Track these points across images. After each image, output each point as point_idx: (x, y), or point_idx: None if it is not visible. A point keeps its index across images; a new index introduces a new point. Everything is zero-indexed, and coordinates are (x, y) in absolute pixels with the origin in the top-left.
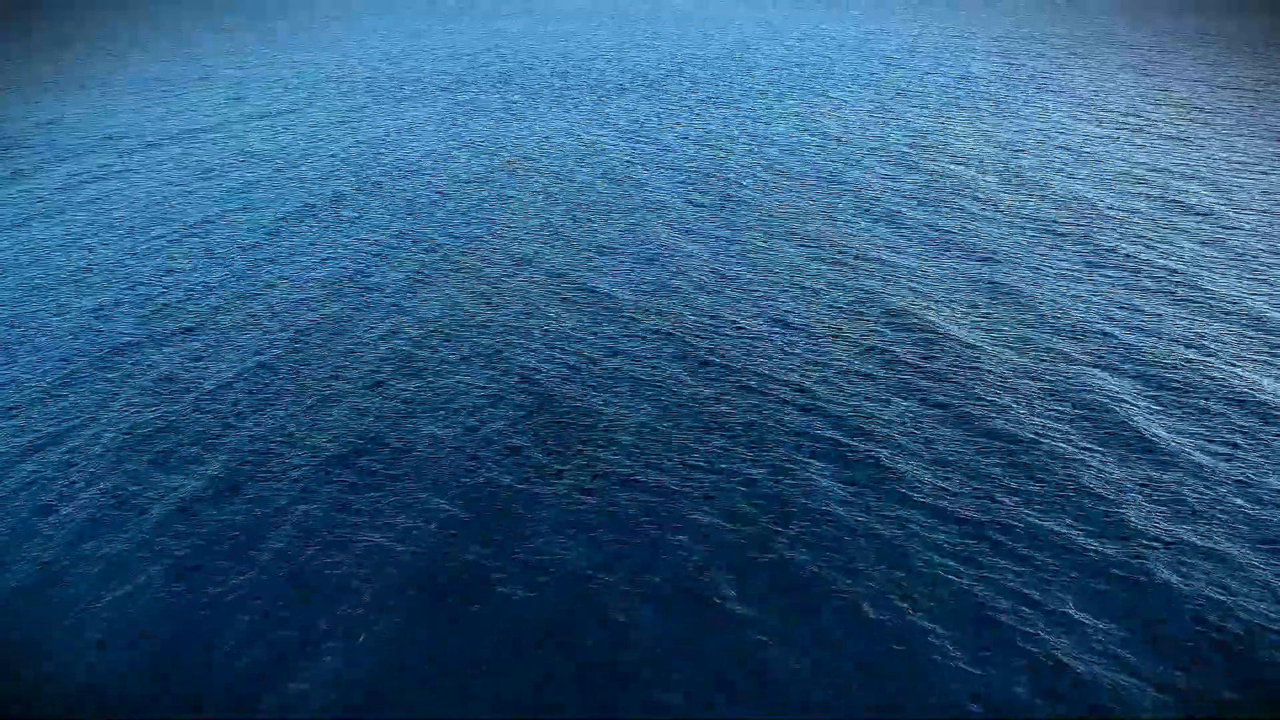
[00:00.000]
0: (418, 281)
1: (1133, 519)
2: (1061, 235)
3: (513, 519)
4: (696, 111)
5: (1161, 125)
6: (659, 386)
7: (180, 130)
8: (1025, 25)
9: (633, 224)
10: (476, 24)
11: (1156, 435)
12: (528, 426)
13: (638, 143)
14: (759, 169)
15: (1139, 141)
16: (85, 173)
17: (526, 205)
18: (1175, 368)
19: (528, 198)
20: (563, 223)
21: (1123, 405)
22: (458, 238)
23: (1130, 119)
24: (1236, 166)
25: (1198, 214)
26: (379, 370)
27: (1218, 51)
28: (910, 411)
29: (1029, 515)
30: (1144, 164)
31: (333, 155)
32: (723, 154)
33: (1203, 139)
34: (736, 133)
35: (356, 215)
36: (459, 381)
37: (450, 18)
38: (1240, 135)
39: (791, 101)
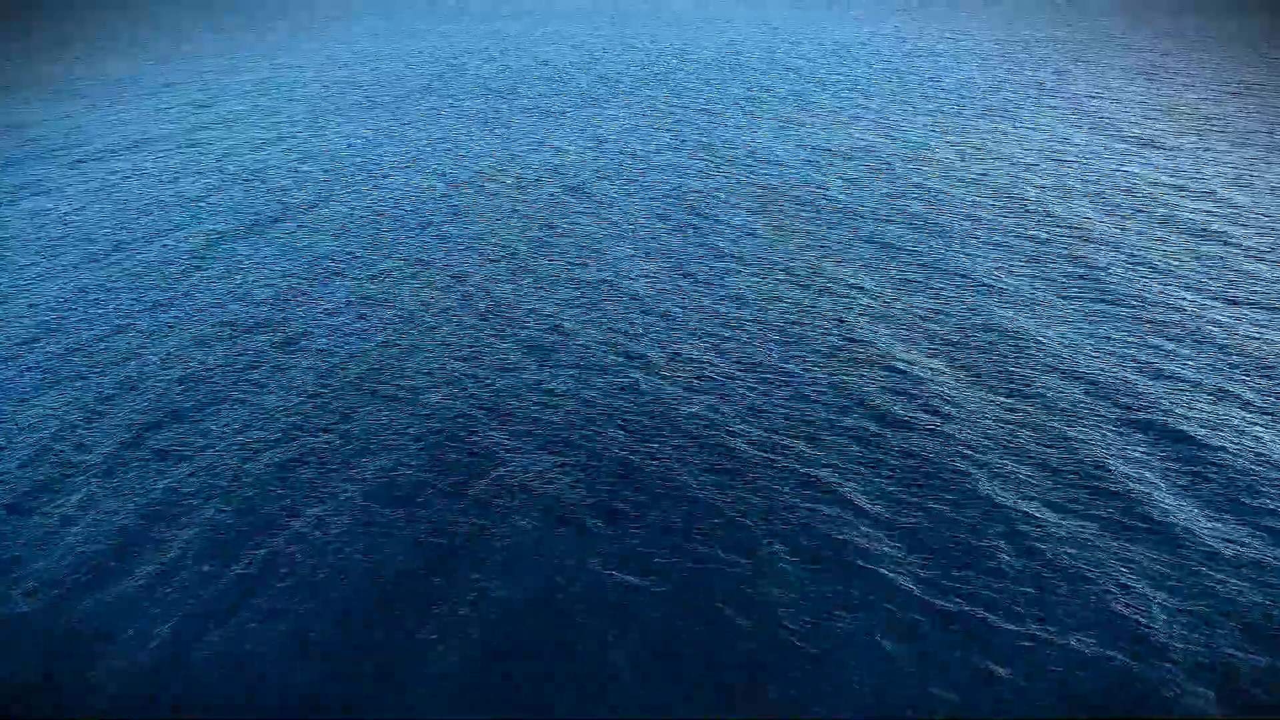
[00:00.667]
0: (360, 305)
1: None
2: (1060, 262)
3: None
4: (676, 120)
5: (1170, 139)
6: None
7: (132, 140)
8: (1026, 27)
9: (596, 251)
10: (475, 25)
11: (1157, 502)
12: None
13: (616, 157)
14: (739, 191)
15: (1145, 156)
16: (26, 185)
17: (488, 227)
18: (1183, 424)
19: (490, 218)
20: (520, 248)
21: (1122, 465)
22: (406, 260)
23: (1135, 131)
24: (1247, 183)
25: (1212, 240)
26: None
27: (1221, 55)
28: (878, 473)
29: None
30: (1150, 181)
31: (291, 167)
32: (703, 171)
33: (1214, 153)
34: (717, 144)
35: (296, 234)
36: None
37: (448, 18)
38: (1250, 147)
39: (786, 110)
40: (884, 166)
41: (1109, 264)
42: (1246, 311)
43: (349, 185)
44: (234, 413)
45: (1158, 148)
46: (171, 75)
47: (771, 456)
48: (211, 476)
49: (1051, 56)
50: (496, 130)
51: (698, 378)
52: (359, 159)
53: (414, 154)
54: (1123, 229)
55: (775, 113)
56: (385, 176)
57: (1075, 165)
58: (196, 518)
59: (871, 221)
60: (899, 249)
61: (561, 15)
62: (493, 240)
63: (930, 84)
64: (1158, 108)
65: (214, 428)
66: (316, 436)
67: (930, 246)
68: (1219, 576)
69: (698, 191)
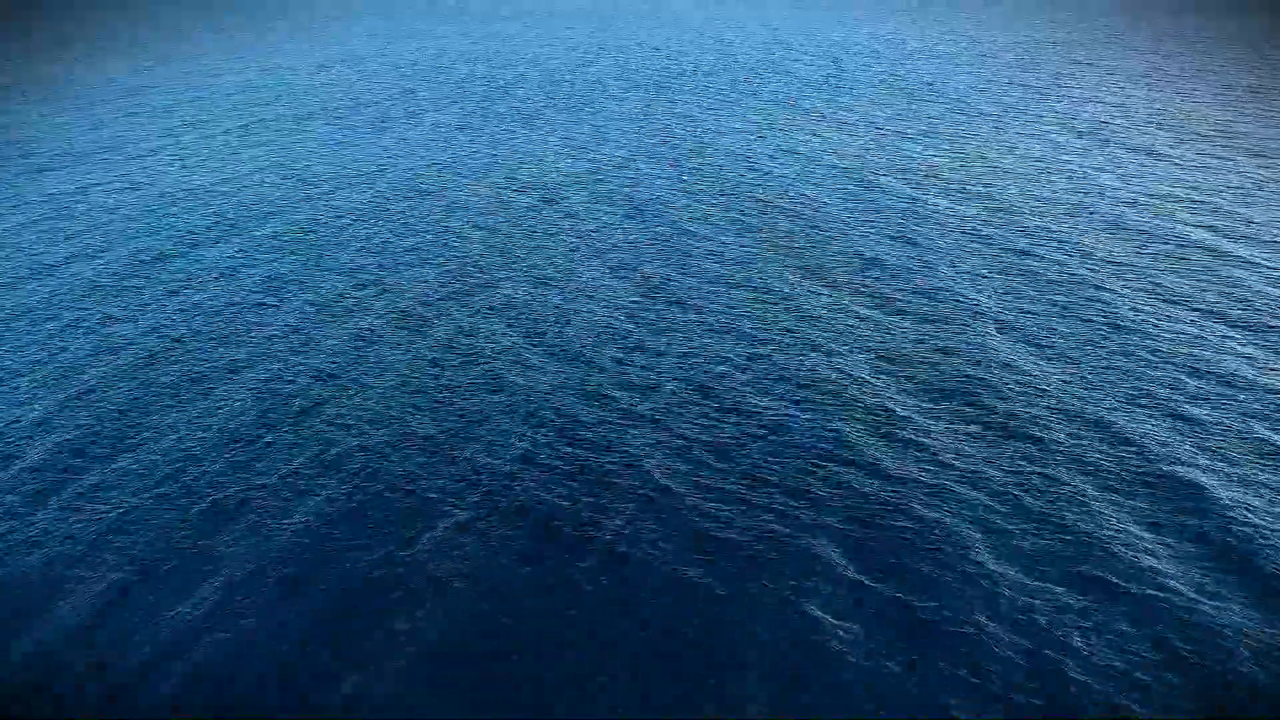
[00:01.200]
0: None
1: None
2: (1059, 285)
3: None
4: (665, 125)
5: (1173, 148)
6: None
7: (98, 148)
8: (1026, 28)
9: (567, 271)
10: (474, 26)
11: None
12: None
13: (597, 168)
14: (726, 206)
15: (1147, 166)
16: None
17: (455, 242)
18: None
19: (459, 231)
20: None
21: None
22: (360, 280)
23: (1137, 139)
24: (1257, 197)
25: (1222, 259)
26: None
27: (1223, 58)
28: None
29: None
30: (1154, 194)
31: (257, 178)
32: (686, 182)
33: (1219, 162)
34: (707, 152)
35: (246, 249)
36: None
37: (447, 18)
38: (1260, 157)
39: (779, 115)
40: (876, 178)
41: (1111, 286)
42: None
43: (313, 196)
44: (157, 443)
45: (1159, 157)
46: (151, 78)
47: (739, 496)
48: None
49: (1051, 59)
50: (475, 137)
51: (665, 413)
52: (330, 169)
53: (390, 162)
54: (1125, 247)
55: (767, 118)
56: (352, 186)
57: (1075, 177)
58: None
59: (861, 238)
60: (888, 266)
61: (560, 15)
62: (457, 257)
63: (927, 89)
64: (1160, 114)
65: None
66: (252, 474)
67: (921, 264)
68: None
69: (678, 205)
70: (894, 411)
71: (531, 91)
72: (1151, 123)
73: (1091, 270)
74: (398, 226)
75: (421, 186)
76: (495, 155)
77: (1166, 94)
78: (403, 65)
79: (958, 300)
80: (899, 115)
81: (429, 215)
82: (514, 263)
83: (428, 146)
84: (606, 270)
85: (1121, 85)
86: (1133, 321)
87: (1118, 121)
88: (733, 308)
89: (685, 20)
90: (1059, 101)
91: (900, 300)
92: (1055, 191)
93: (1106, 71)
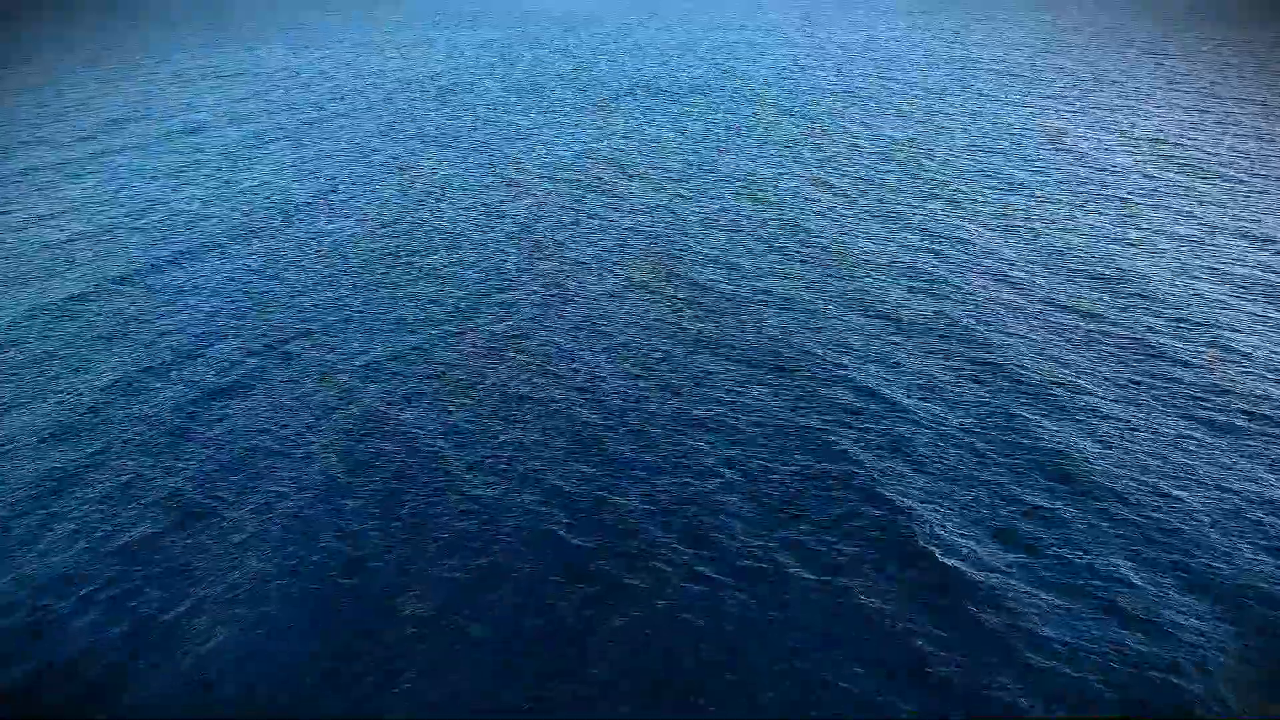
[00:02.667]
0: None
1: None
2: (1106, 332)
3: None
4: (658, 137)
5: (1228, 170)
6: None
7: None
8: (1031, 30)
9: (538, 325)
10: (465, 32)
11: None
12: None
13: (579, 191)
14: (723, 236)
15: (1195, 189)
16: None
17: (410, 281)
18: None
19: (416, 267)
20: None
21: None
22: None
23: (1183, 153)
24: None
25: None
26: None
27: (1250, 67)
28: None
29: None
30: (1204, 222)
31: (195, 204)
32: (673, 204)
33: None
34: (700, 169)
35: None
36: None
37: (446, 21)
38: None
39: (781, 130)
40: (890, 205)
41: (1164, 336)
42: None
43: (259, 225)
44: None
45: (1210, 177)
46: (105, 79)
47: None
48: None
49: (1087, 59)
50: (447, 151)
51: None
52: (280, 194)
53: (354, 187)
54: (1179, 285)
55: (769, 134)
56: (299, 213)
57: (1115, 201)
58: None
59: (873, 279)
60: (908, 313)
61: (556, 17)
62: (410, 301)
63: (951, 98)
64: (1206, 131)
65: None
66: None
67: (950, 315)
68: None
69: (665, 227)
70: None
71: (518, 97)
72: (1196, 138)
73: (1140, 300)
74: (361, 257)
75: (387, 215)
76: (467, 169)
77: (1212, 106)
78: (385, 70)
79: (996, 359)
80: (916, 128)
81: (390, 244)
82: (480, 310)
83: (405, 161)
84: (588, 324)
85: (1158, 94)
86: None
87: (1157, 133)
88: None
89: (682, 21)
90: (1098, 113)
91: (915, 355)
92: (1094, 217)
93: (1138, 78)
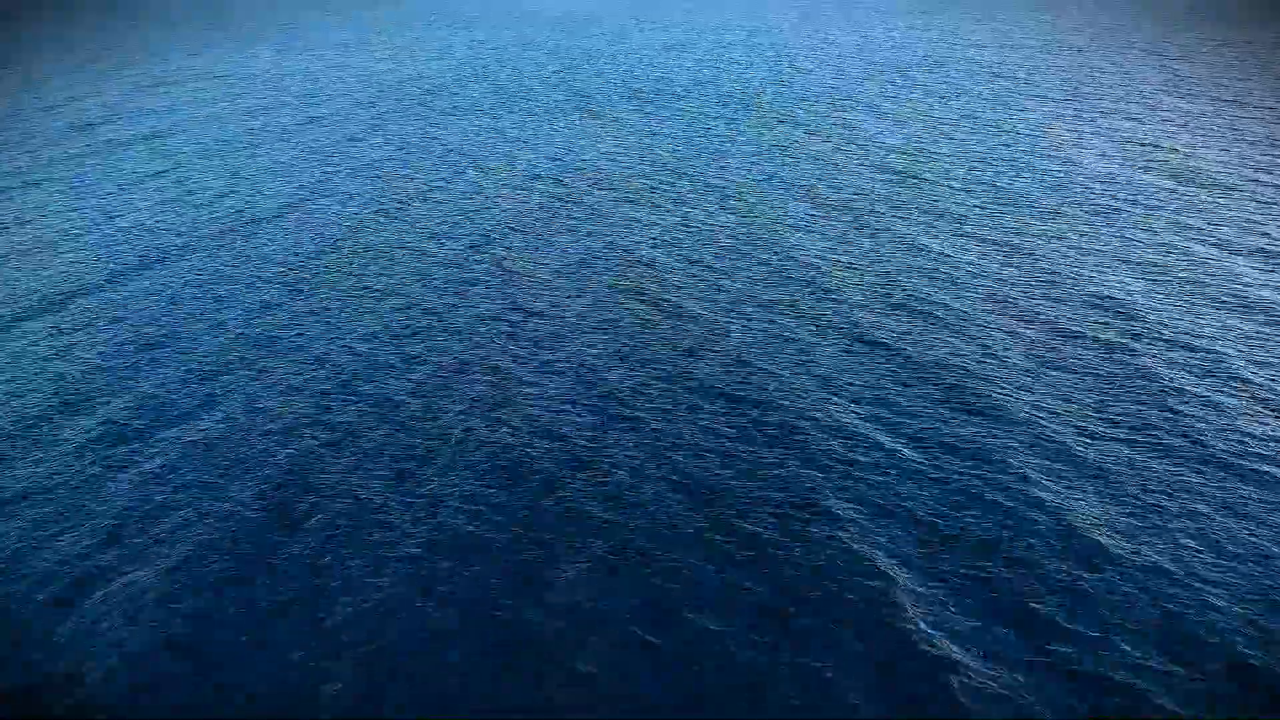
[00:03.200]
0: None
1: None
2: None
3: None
4: (643, 143)
5: (1233, 179)
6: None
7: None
8: (1031, 30)
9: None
10: (461, 33)
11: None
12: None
13: (553, 201)
14: (702, 256)
15: (1201, 202)
16: None
17: (365, 299)
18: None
19: (376, 282)
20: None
21: None
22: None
23: (1183, 165)
24: None
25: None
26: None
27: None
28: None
29: None
30: (1211, 240)
31: (154, 213)
32: (654, 220)
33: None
34: (687, 179)
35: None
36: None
37: (445, 22)
38: None
39: (776, 138)
40: (880, 220)
41: (1161, 369)
42: None
43: (212, 237)
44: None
45: (1216, 188)
46: (71, 88)
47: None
48: None
49: (1097, 67)
50: (424, 159)
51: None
52: (239, 205)
53: (320, 194)
54: (1180, 310)
55: (762, 140)
56: (252, 227)
57: (1115, 215)
58: None
59: (863, 310)
60: (893, 350)
61: (555, 18)
62: (367, 319)
63: (950, 101)
64: (1209, 139)
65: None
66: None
67: (936, 349)
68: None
69: (643, 248)
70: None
71: (502, 101)
72: (1207, 145)
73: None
74: (318, 271)
75: (338, 229)
76: (436, 178)
77: (1224, 111)
78: (368, 73)
79: (981, 395)
80: (918, 137)
81: (344, 259)
82: (437, 331)
83: (373, 169)
84: (556, 351)
85: (1165, 100)
86: None
87: (1166, 140)
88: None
89: (679, 21)
90: (1104, 120)
91: (902, 396)
92: (1095, 236)
93: (1143, 82)
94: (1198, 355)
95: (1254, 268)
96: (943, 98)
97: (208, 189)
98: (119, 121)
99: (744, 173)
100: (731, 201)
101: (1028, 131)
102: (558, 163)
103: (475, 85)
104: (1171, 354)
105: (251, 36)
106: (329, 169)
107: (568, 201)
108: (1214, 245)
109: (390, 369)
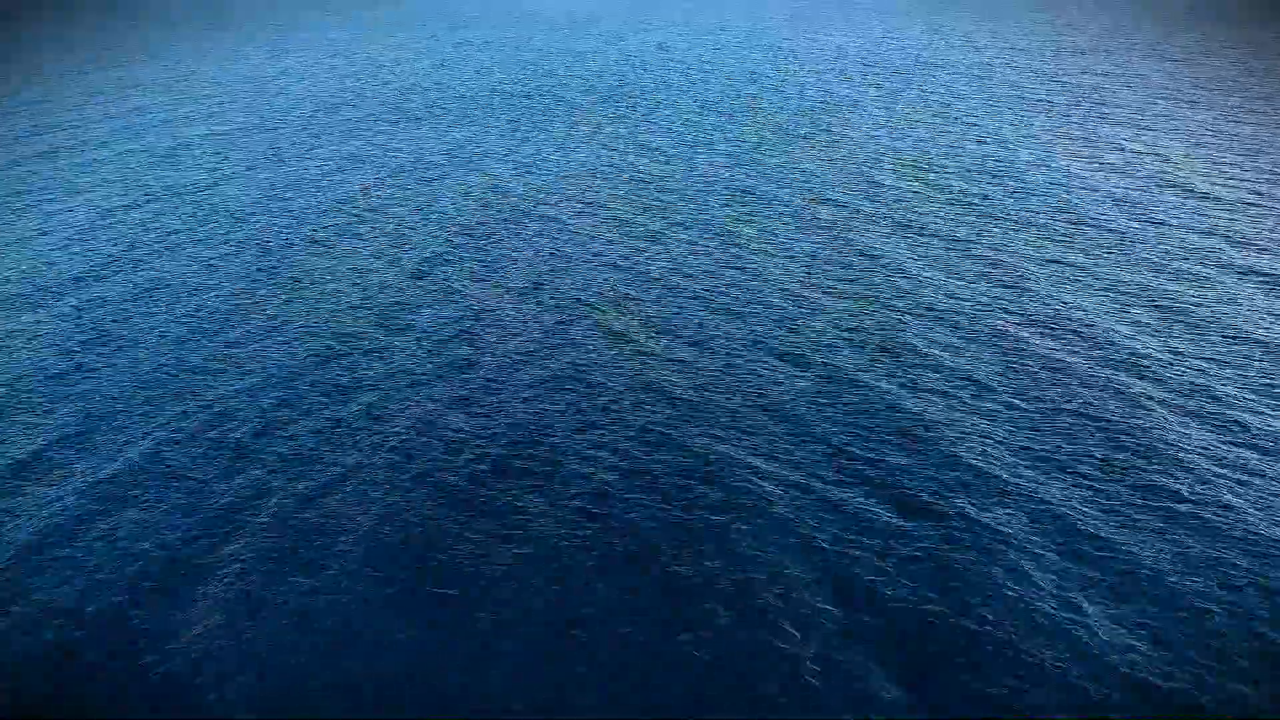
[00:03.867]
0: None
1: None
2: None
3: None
4: (623, 150)
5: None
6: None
7: None
8: (1030, 30)
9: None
10: (459, 33)
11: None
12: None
13: (531, 209)
14: (680, 278)
15: (1207, 217)
16: None
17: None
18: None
19: (335, 291)
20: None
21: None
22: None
23: (1195, 179)
24: None
25: None
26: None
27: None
28: None
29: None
30: (1215, 261)
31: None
32: (635, 234)
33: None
34: (670, 191)
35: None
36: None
37: (443, 23)
38: None
39: (765, 147)
40: (872, 238)
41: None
42: None
43: (193, 233)
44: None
45: (1223, 204)
46: (55, 88)
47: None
48: None
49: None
50: (408, 172)
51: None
52: (214, 199)
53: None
54: (1179, 344)
55: (757, 145)
56: (240, 221)
57: (1113, 234)
58: None
59: (846, 348)
60: (881, 404)
61: (554, 19)
62: (331, 327)
63: (950, 105)
64: (1219, 148)
65: None
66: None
67: (913, 400)
68: None
69: (622, 265)
70: None
71: (489, 107)
72: (1208, 157)
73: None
74: (280, 277)
75: (295, 237)
76: (406, 184)
77: (1223, 119)
78: (349, 75)
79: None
80: (912, 150)
81: (309, 264)
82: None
83: (342, 172)
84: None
85: (1167, 109)
86: None
87: (1168, 153)
88: None
89: (676, 22)
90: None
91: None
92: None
93: (1147, 88)
94: (1198, 396)
95: (1255, 287)
96: (942, 104)
97: (184, 186)
98: (71, 129)
99: (728, 193)
100: (717, 221)
101: (1027, 140)
102: (551, 169)
103: (465, 88)
104: (1174, 400)
105: (251, 37)
106: (304, 175)
107: (524, 216)
108: (1216, 266)
109: (364, 396)
